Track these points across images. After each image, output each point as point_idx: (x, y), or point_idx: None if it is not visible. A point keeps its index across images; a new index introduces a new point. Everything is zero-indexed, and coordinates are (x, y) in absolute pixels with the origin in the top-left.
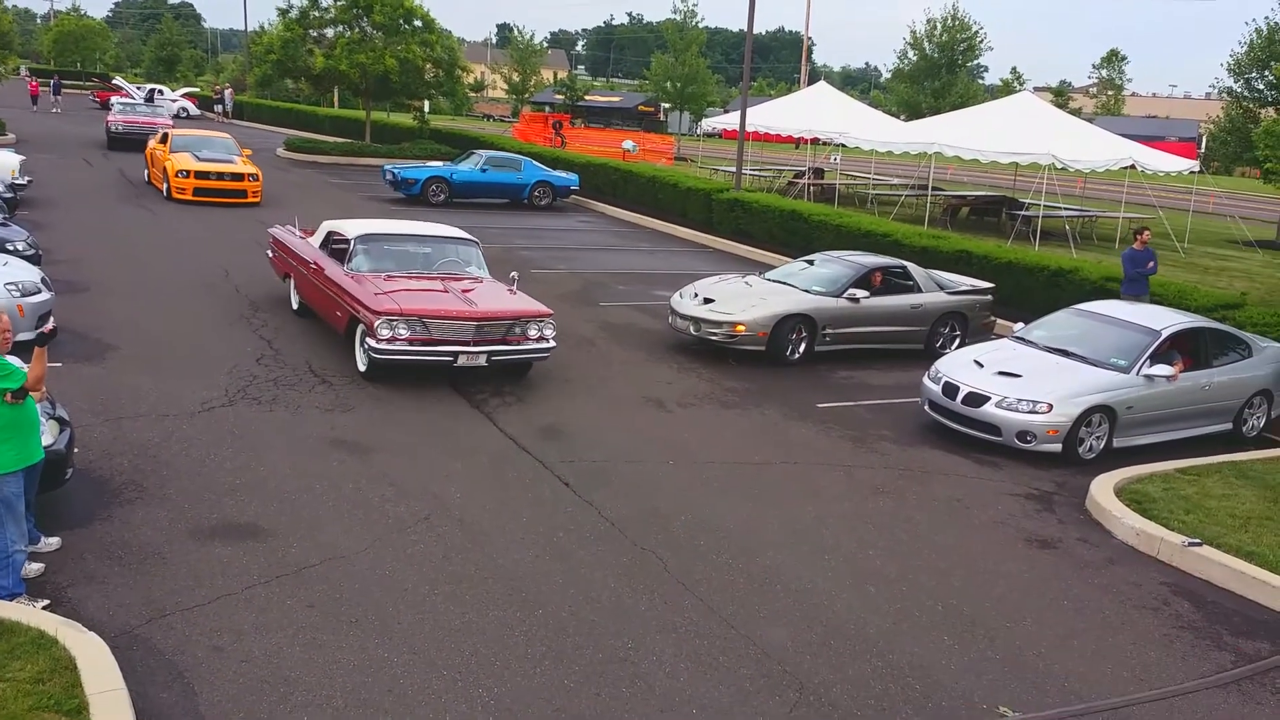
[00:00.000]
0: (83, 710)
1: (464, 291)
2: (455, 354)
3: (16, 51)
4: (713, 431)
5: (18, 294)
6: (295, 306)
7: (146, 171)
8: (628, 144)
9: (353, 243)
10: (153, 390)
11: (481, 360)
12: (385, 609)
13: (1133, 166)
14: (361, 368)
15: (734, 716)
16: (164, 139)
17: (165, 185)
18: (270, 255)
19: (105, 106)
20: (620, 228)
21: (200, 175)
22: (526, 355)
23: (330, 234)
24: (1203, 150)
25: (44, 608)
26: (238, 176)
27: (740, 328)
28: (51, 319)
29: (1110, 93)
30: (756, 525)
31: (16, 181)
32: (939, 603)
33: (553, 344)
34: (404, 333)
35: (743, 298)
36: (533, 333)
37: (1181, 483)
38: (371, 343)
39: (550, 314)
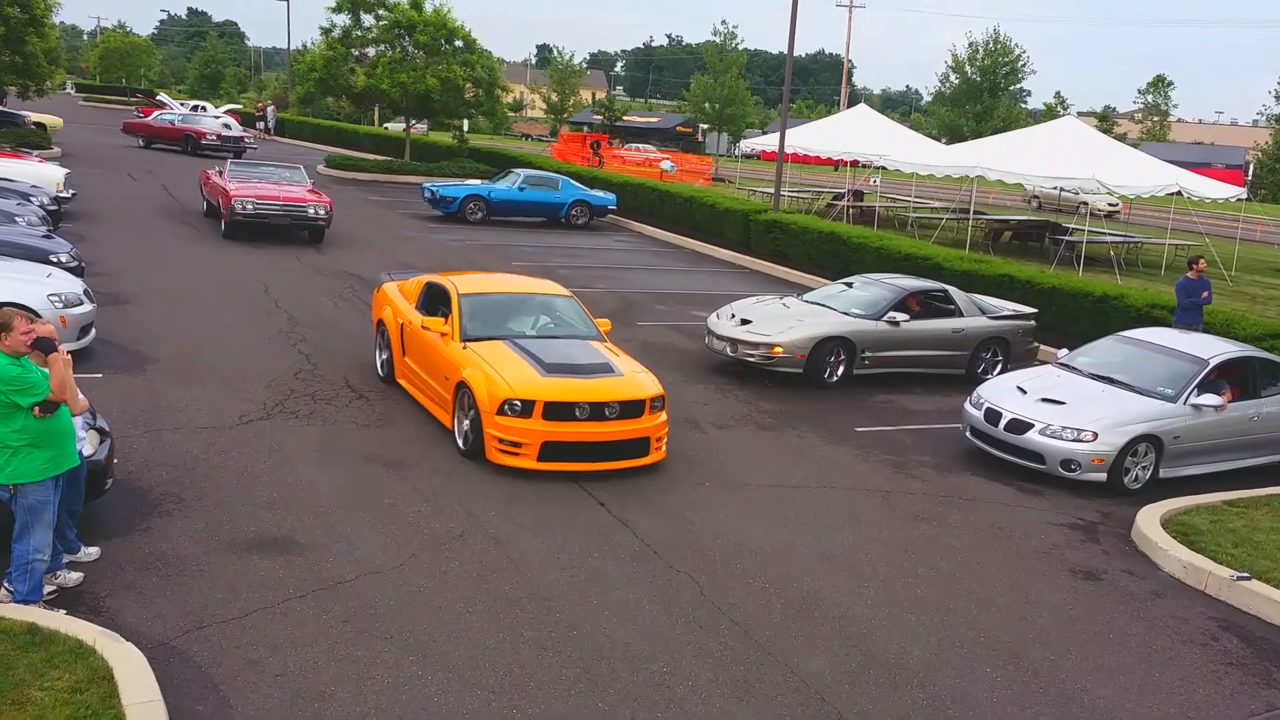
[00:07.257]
0: None
1: None
2: None
3: (64, 67)
4: (749, 454)
5: (60, 305)
6: None
7: (380, 359)
8: (666, 164)
9: None
10: (192, 402)
11: None
12: (420, 626)
13: (1179, 193)
14: None
15: None
16: (435, 299)
17: (465, 427)
18: None
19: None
20: (657, 248)
21: (557, 411)
22: None
23: None
24: (1250, 177)
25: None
26: (632, 409)
27: (778, 349)
28: (94, 330)
29: (1156, 118)
30: (793, 550)
31: (61, 195)
32: (981, 634)
33: None
34: None
35: (780, 319)
36: None
37: (1230, 515)
38: None
39: None
